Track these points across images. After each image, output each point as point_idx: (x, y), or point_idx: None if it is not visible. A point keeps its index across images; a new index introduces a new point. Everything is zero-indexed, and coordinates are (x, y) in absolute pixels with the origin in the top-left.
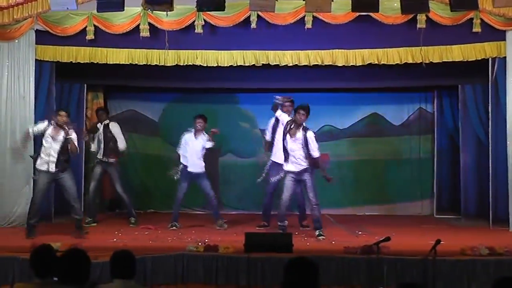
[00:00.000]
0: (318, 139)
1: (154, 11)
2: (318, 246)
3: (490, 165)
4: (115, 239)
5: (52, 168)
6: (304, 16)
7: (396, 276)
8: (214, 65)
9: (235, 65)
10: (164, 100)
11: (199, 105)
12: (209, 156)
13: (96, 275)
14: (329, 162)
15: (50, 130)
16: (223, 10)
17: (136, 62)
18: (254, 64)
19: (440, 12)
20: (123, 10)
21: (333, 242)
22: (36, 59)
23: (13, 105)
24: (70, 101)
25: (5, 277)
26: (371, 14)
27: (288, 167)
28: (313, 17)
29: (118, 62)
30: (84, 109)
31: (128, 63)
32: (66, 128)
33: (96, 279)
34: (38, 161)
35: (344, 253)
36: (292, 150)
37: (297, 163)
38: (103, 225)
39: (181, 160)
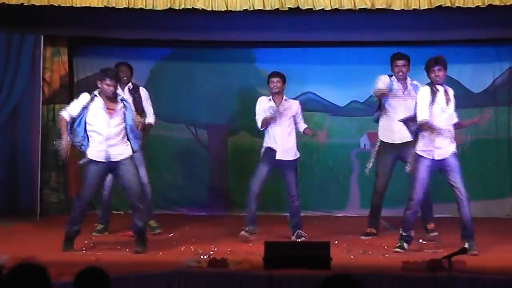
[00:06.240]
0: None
1: None
2: (367, 260)
3: None
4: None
5: None
6: None
7: None
8: (222, 10)
9: (251, 9)
10: (152, 58)
11: (200, 65)
12: (215, 133)
13: None
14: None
15: None
16: None
17: (114, 5)
18: (277, 9)
19: None
20: None
21: (387, 256)
22: None
23: None
24: (21, 58)
25: None
26: None
27: None
28: None
29: (88, 5)
30: (41, 70)
31: (103, 6)
32: None
33: None
34: None
35: (403, 270)
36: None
37: None
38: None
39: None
